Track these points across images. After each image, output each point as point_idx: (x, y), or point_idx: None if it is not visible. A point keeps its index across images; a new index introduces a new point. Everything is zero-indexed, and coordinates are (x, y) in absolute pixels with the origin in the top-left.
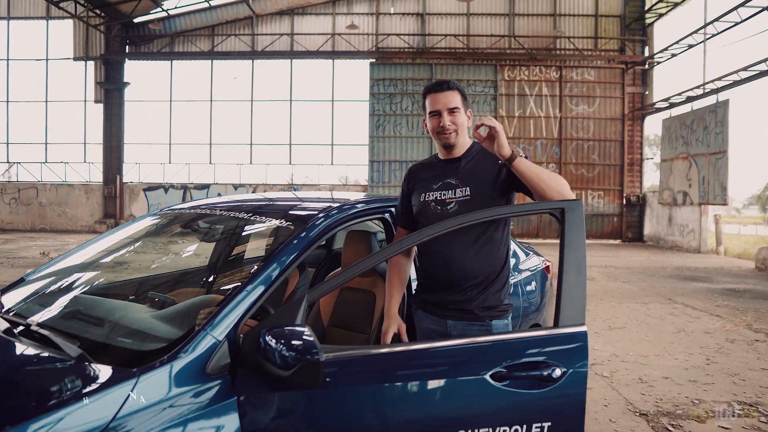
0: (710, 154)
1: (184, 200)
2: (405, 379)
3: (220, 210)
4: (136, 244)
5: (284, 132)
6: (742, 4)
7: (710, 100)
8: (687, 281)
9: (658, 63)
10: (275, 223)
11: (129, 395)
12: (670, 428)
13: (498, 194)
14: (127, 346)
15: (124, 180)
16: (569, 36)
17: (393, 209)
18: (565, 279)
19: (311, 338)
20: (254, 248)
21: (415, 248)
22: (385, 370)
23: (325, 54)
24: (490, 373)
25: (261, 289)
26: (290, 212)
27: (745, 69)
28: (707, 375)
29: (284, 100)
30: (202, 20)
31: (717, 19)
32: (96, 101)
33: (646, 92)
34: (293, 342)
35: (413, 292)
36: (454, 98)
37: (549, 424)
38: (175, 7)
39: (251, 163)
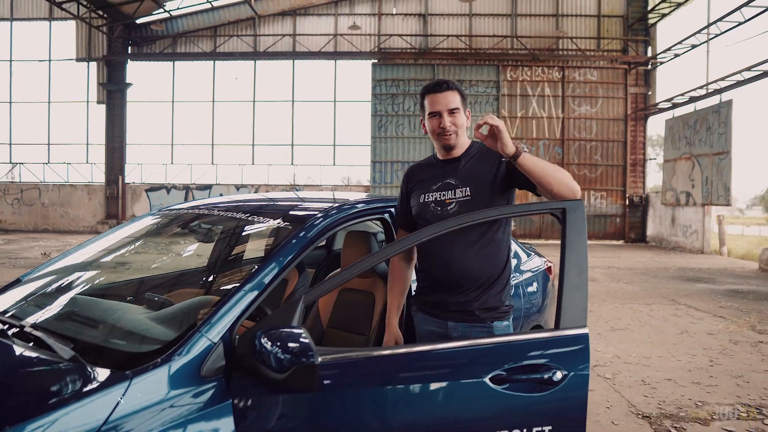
0: (713, 155)
1: (186, 201)
2: (405, 381)
3: (219, 210)
4: (134, 245)
5: (286, 132)
6: (745, 4)
7: (713, 100)
8: (690, 282)
9: (661, 63)
10: (274, 223)
11: (121, 398)
12: (673, 431)
13: (498, 193)
14: (121, 347)
15: (127, 180)
16: (572, 36)
17: (393, 209)
18: (567, 280)
19: (307, 340)
20: (253, 249)
21: (416, 254)
22: (384, 373)
23: (327, 55)
24: (490, 376)
25: (258, 290)
26: (289, 212)
27: (748, 69)
28: (710, 377)
29: (286, 101)
30: (204, 21)
31: (720, 19)
32: (98, 102)
33: (649, 92)
34: (289, 344)
35: (413, 293)
36: (454, 98)
37: (550, 428)
38: (178, 8)
39: (253, 164)
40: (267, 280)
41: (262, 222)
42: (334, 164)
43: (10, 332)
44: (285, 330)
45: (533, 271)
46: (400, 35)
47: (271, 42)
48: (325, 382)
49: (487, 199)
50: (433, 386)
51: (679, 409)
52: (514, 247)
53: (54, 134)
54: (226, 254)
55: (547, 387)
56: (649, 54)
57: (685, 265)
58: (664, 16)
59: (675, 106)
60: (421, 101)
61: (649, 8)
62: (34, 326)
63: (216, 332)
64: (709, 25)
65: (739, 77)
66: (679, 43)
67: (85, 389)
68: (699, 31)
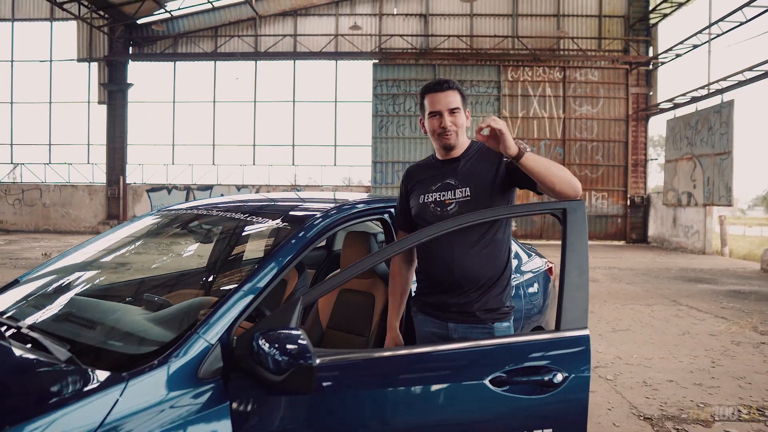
0: (715, 155)
1: (187, 201)
2: (404, 383)
3: (218, 210)
4: (132, 246)
5: (287, 133)
6: (747, 4)
7: (715, 100)
8: (692, 283)
9: (663, 63)
10: (273, 223)
11: (117, 400)
12: None
13: (498, 193)
14: (118, 349)
15: (128, 181)
16: (573, 36)
17: (393, 210)
18: (567, 281)
19: (305, 342)
20: (253, 249)
21: (416, 256)
22: (384, 374)
23: (328, 55)
24: (490, 378)
25: (256, 291)
26: (288, 213)
27: (750, 69)
28: (712, 378)
29: (287, 101)
30: (205, 21)
31: (722, 19)
32: (99, 102)
33: (650, 93)
34: (287, 346)
35: (413, 294)
36: (454, 98)
37: (550, 430)
38: (179, 9)
39: (254, 164)
40: (265, 280)
41: (262, 222)
42: (335, 165)
43: (7, 333)
44: (283, 331)
45: (534, 272)
46: (401, 35)
47: (272, 42)
48: (324, 383)
49: (486, 200)
50: (433, 388)
51: (681, 410)
52: (514, 247)
53: (55, 135)
54: (226, 255)
55: (547, 389)
56: (651, 54)
57: (687, 265)
58: (665, 16)
59: (676, 106)
60: (420, 101)
61: (651, 8)
62: (31, 327)
63: (213, 334)
64: (711, 25)
65: (740, 77)
66: (681, 43)
67: (81, 391)
68: (700, 31)
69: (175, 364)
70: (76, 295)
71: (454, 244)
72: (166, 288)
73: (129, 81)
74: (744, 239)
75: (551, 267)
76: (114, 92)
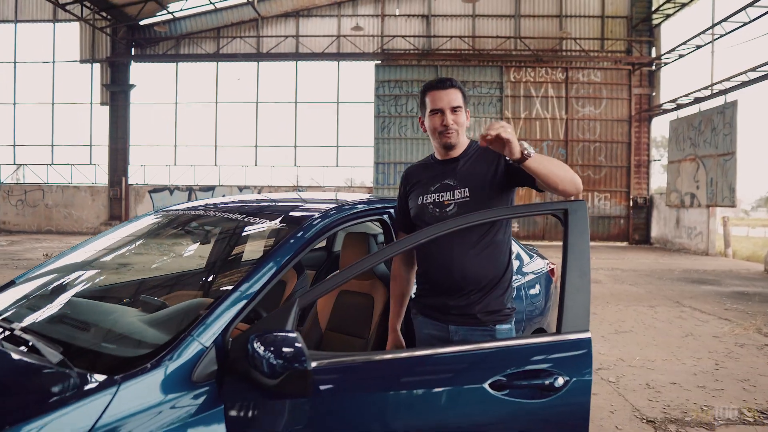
0: (718, 156)
1: (189, 202)
2: (403, 387)
3: (217, 211)
4: (131, 246)
5: (289, 134)
6: (750, 4)
7: (718, 101)
8: (695, 284)
9: (666, 64)
10: (272, 224)
11: (109, 404)
12: None
13: (498, 194)
14: (111, 351)
15: (130, 182)
16: (575, 37)
17: (392, 210)
18: (569, 283)
19: (300, 345)
20: (252, 250)
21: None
22: (382, 378)
23: (330, 56)
24: (491, 381)
25: (252, 292)
26: (287, 213)
27: (753, 69)
28: (716, 380)
29: (289, 102)
30: (207, 22)
31: (725, 20)
32: (102, 103)
33: (653, 93)
34: (282, 349)
35: (412, 296)
36: (456, 97)
37: None
38: (181, 10)
39: (256, 165)
40: (262, 281)
41: (261, 223)
42: (337, 165)
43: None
44: (278, 334)
45: (536, 273)
46: (403, 36)
47: (274, 43)
48: (321, 387)
49: (486, 200)
50: (433, 392)
51: (684, 413)
52: (515, 248)
53: (57, 136)
54: (225, 256)
55: (548, 393)
56: (653, 55)
57: (690, 266)
58: (668, 16)
59: (679, 107)
60: (421, 98)
61: (653, 9)
62: (24, 329)
63: (208, 336)
64: (714, 25)
65: (744, 78)
66: (684, 43)
67: (72, 395)
68: (703, 32)
69: (169, 367)
70: (72, 296)
71: (454, 246)
72: (163, 289)
73: (131, 82)
74: (747, 240)
75: (553, 268)
76: (116, 93)
